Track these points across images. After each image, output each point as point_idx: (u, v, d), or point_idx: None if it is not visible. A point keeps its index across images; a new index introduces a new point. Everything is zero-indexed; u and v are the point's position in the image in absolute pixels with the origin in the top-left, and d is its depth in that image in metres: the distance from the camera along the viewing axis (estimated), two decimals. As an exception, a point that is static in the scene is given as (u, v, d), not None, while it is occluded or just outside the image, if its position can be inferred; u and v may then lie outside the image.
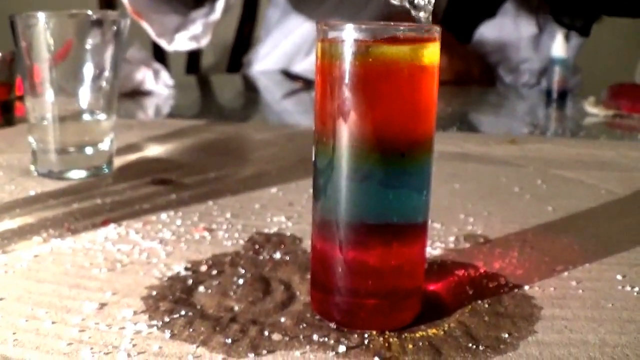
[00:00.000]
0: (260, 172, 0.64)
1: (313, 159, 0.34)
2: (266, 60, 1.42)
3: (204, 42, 1.20)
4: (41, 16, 0.57)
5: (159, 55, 1.77)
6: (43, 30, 0.57)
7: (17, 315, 0.35)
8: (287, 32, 1.39)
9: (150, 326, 0.34)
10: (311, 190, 0.35)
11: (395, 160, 0.32)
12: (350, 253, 0.33)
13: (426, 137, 0.33)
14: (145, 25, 1.14)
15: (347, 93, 0.32)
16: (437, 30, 0.32)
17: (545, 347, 0.32)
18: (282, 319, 0.35)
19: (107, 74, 0.61)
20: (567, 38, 1.10)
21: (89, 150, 0.61)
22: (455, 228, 0.49)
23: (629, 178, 0.63)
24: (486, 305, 0.37)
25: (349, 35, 0.31)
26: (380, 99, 0.31)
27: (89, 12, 0.59)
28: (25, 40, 0.58)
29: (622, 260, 0.43)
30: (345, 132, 0.32)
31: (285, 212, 0.52)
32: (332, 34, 0.32)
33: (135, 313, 0.35)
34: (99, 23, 0.60)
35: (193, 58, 1.78)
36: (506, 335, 0.33)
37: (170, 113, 1.02)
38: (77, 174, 0.60)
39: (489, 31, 1.35)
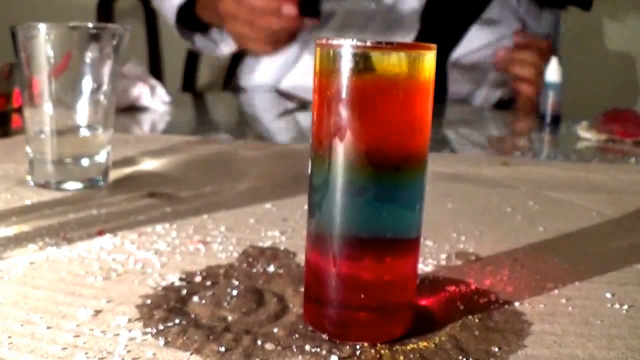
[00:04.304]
0: (255, 188, 0.65)
1: (309, 172, 0.35)
2: (256, 74, 1.41)
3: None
4: (42, 27, 0.57)
5: (155, 71, 1.78)
6: (43, 42, 0.58)
7: (13, 319, 0.35)
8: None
9: (145, 333, 0.34)
10: (305, 207, 0.36)
11: (390, 174, 0.33)
12: (343, 267, 0.34)
13: (420, 151, 0.33)
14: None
15: (342, 107, 0.32)
16: (432, 45, 0.33)
17: (535, 361, 0.33)
18: (275, 330, 0.35)
19: (105, 87, 0.61)
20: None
21: (85, 162, 0.61)
22: (447, 246, 0.50)
23: (619, 200, 0.64)
24: (477, 320, 0.37)
25: (345, 49, 0.32)
26: (376, 112, 0.32)
27: (89, 25, 0.60)
28: (26, 51, 0.59)
29: (611, 279, 0.44)
30: (341, 145, 0.32)
31: (279, 227, 0.53)
32: (329, 49, 0.33)
33: (129, 320, 0.36)
34: (98, 36, 0.60)
35: (189, 75, 1.79)
36: (496, 349, 0.34)
37: (166, 129, 1.02)
38: (73, 186, 0.61)
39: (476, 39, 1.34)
